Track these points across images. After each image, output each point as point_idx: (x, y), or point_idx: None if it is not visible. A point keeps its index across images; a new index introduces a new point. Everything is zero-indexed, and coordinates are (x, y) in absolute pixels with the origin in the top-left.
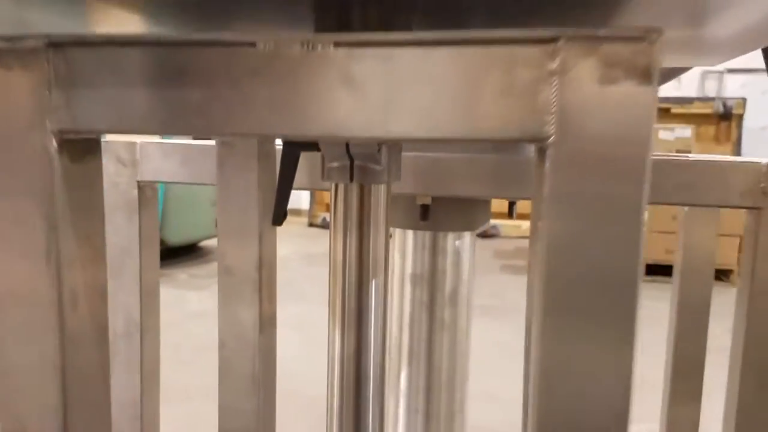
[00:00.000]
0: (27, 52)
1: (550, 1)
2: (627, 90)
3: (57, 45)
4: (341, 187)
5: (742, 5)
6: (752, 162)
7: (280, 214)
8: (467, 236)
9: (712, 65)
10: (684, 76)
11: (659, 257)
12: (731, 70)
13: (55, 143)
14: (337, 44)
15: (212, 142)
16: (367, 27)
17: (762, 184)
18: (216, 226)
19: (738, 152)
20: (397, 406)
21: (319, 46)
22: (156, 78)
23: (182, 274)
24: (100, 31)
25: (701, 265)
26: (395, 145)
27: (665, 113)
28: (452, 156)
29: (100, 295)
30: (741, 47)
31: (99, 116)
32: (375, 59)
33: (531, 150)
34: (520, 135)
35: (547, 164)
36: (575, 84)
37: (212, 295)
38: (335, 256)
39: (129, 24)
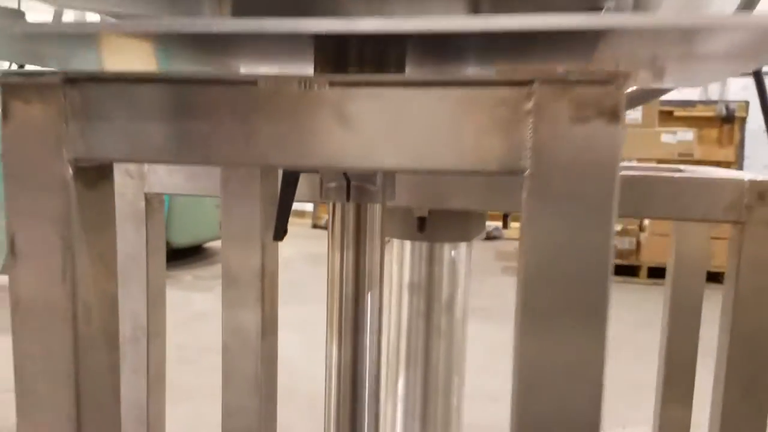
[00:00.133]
0: (45, 87)
1: (535, 40)
2: (596, 128)
3: (72, 80)
4: (339, 205)
5: (727, 32)
6: (735, 179)
7: (280, 231)
8: (463, 246)
9: (698, 86)
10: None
11: (662, 260)
12: None
13: (71, 170)
14: (332, 84)
15: None
16: (363, 63)
17: (745, 200)
18: (220, 228)
19: (741, 155)
20: (395, 411)
21: (316, 86)
22: (165, 111)
23: (187, 275)
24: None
25: (693, 270)
26: None
27: (668, 116)
28: None
29: (111, 308)
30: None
31: (112, 146)
32: (367, 98)
33: None
34: (499, 168)
35: (524, 194)
36: (549, 122)
37: (216, 296)
38: (333, 270)
39: (141, 57)
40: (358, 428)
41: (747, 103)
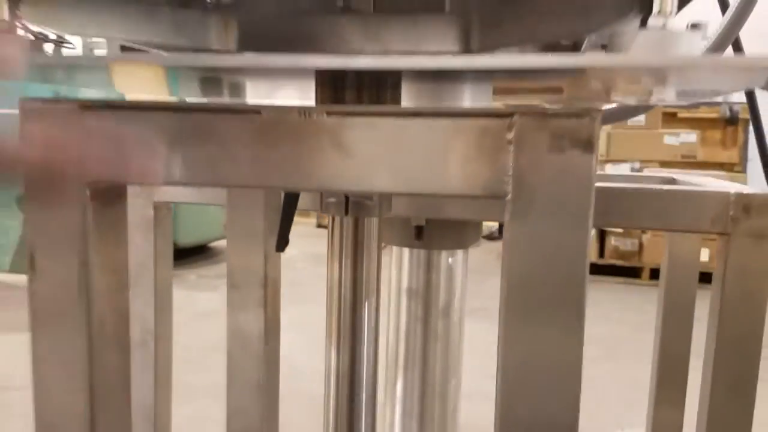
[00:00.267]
0: (63, 113)
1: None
2: (572, 157)
3: (89, 107)
4: (337, 219)
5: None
6: (721, 191)
7: (282, 242)
8: (459, 253)
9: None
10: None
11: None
12: None
13: (87, 191)
14: (329, 113)
15: None
16: (361, 88)
17: (731, 212)
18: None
19: (744, 156)
20: (393, 412)
21: (314, 115)
22: (175, 138)
23: (192, 274)
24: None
25: (685, 273)
26: None
27: (671, 118)
28: None
29: (123, 319)
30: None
31: (125, 169)
32: (362, 127)
33: None
34: (483, 192)
35: (506, 216)
36: (528, 151)
37: (221, 295)
38: (332, 280)
39: (151, 77)
40: (356, 430)
41: None
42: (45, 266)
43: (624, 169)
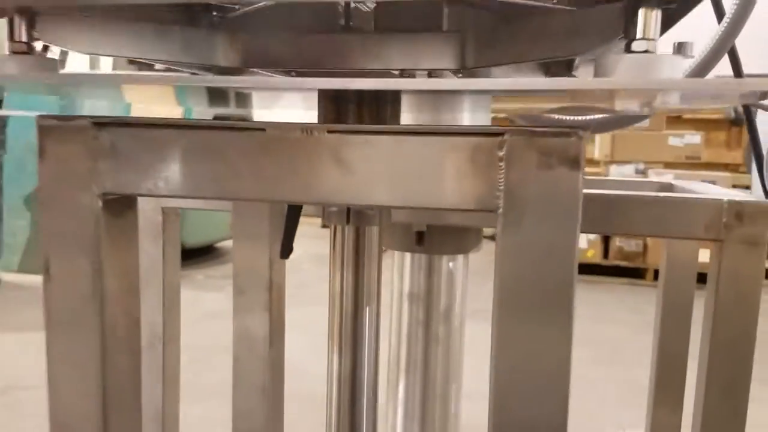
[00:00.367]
0: (77, 129)
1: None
2: (559, 174)
3: (101, 124)
4: (339, 228)
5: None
6: (715, 199)
7: (286, 250)
8: (460, 258)
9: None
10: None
11: None
12: (748, 76)
13: (100, 202)
14: (330, 131)
15: None
16: (362, 104)
17: (724, 219)
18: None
19: (749, 157)
20: (395, 413)
21: (316, 132)
22: (183, 153)
23: (199, 275)
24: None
25: (684, 274)
26: None
27: (676, 119)
28: None
29: (133, 323)
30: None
31: (136, 182)
32: (361, 144)
33: None
34: (476, 206)
35: (498, 228)
36: (518, 168)
37: (228, 296)
38: (334, 287)
39: (161, 89)
40: (357, 429)
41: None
42: (59, 273)
43: (628, 170)
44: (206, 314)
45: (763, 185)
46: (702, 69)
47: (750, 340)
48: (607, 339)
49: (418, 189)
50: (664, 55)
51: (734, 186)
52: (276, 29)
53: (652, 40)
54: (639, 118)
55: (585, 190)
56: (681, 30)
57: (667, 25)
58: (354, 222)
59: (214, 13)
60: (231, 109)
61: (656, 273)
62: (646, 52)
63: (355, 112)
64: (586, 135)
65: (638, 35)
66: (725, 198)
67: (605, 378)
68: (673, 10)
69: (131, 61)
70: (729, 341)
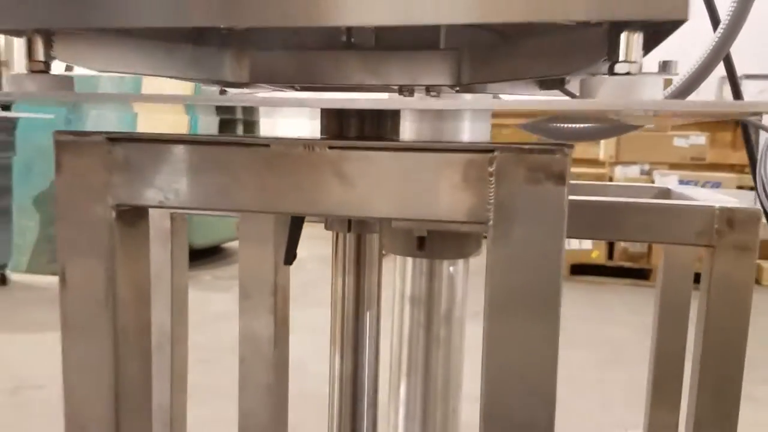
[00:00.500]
0: (92, 144)
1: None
2: (546, 188)
3: (115, 139)
4: (341, 235)
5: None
6: (707, 205)
7: (290, 256)
8: (460, 263)
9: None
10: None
11: None
12: (749, 76)
13: (113, 213)
14: (331, 147)
15: None
16: (363, 119)
17: (715, 225)
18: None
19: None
20: (397, 414)
21: (317, 148)
22: (193, 167)
23: (206, 275)
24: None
25: (681, 277)
26: None
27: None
28: None
29: (145, 329)
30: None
31: (148, 195)
32: (360, 159)
33: None
34: (468, 218)
35: (488, 240)
36: (507, 183)
37: (234, 296)
38: (335, 292)
39: (172, 110)
40: (359, 429)
41: None
42: (75, 279)
43: (633, 171)
44: (214, 315)
45: (757, 192)
46: (698, 76)
47: (741, 343)
48: (611, 340)
49: (414, 202)
50: (645, 77)
51: (739, 187)
52: (281, 47)
53: (634, 62)
54: (637, 126)
55: (582, 197)
56: (680, 32)
57: (651, 45)
58: (355, 230)
59: (222, 32)
60: (237, 116)
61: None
62: (628, 74)
63: (357, 124)
64: (570, 152)
65: (621, 58)
66: (717, 205)
67: (609, 379)
68: (655, 33)
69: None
70: (721, 344)
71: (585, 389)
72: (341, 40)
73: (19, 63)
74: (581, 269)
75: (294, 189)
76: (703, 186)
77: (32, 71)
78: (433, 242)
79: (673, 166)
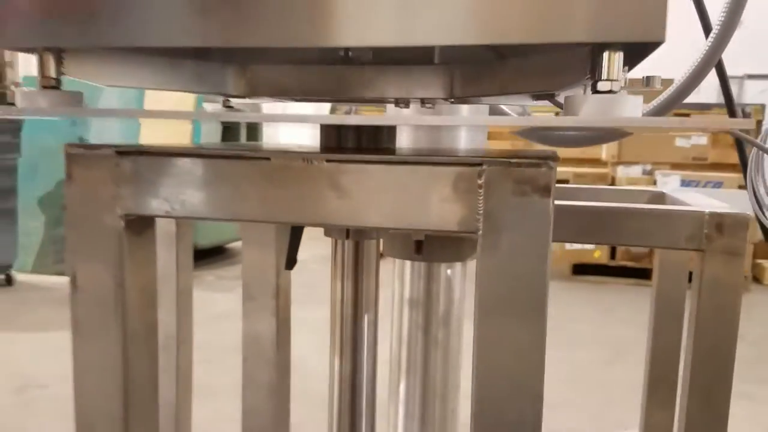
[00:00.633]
0: (102, 157)
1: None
2: (532, 200)
3: (124, 153)
4: (340, 242)
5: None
6: (697, 211)
7: (291, 261)
8: (458, 266)
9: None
10: (703, 83)
11: None
12: (751, 76)
13: (122, 222)
14: (328, 160)
15: None
16: (360, 132)
17: (705, 230)
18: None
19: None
20: (396, 413)
21: (315, 161)
22: (197, 178)
23: (210, 275)
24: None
25: (676, 278)
26: None
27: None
28: None
29: (152, 332)
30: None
31: (155, 205)
32: (356, 172)
33: None
34: (458, 228)
35: (478, 247)
36: (495, 195)
37: (238, 296)
38: (335, 296)
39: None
40: (357, 428)
41: (763, 106)
42: (85, 286)
43: (635, 171)
44: (218, 314)
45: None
46: (691, 82)
47: (731, 345)
48: (613, 339)
49: (407, 212)
50: (625, 96)
51: (741, 186)
52: (281, 62)
53: (616, 80)
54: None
55: (578, 203)
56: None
57: (634, 63)
58: (353, 236)
59: (224, 48)
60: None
61: None
62: (609, 92)
63: (354, 133)
64: (555, 165)
65: (603, 76)
66: (707, 210)
67: (611, 378)
68: (636, 53)
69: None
70: (711, 346)
71: (588, 388)
72: (339, 55)
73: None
74: (584, 269)
75: (293, 200)
76: (704, 186)
77: (44, 87)
78: (430, 246)
79: (675, 166)
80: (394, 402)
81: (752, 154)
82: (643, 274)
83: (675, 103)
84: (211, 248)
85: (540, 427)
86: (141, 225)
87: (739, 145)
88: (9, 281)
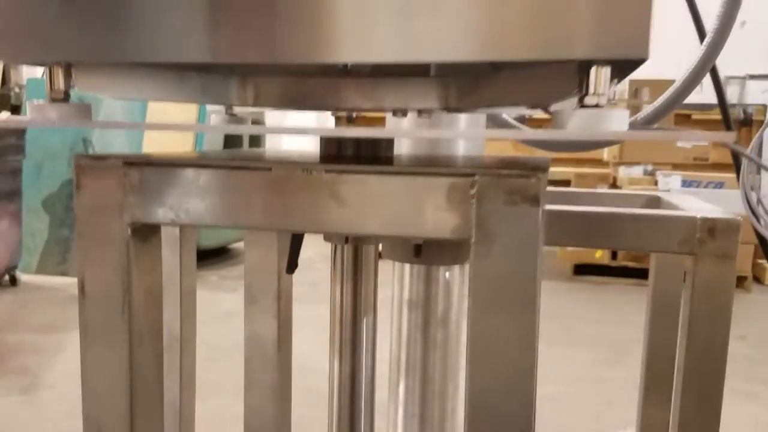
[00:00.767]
0: (110, 168)
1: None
2: (522, 209)
3: (131, 163)
4: (339, 246)
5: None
6: (689, 215)
7: (292, 265)
8: (456, 268)
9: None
10: (706, 82)
11: None
12: (753, 77)
13: (129, 230)
14: (327, 171)
15: None
16: (359, 142)
17: (697, 234)
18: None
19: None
20: (396, 412)
21: (315, 172)
22: (201, 188)
23: (213, 275)
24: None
25: (671, 278)
26: None
27: (686, 120)
28: None
29: (158, 335)
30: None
31: (161, 213)
32: (354, 182)
33: None
34: (452, 236)
35: (471, 254)
36: (487, 204)
37: (241, 297)
38: (334, 299)
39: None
40: (356, 427)
41: (765, 106)
42: (93, 290)
43: (637, 171)
44: (221, 315)
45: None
46: (686, 87)
47: (723, 347)
48: (614, 340)
49: (403, 220)
50: (611, 110)
51: None
52: (283, 74)
53: (603, 95)
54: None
55: (573, 207)
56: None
57: (621, 77)
58: (352, 241)
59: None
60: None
61: None
62: (596, 106)
63: (354, 143)
64: (545, 176)
65: (591, 91)
66: (699, 215)
67: (612, 378)
68: (623, 67)
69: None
70: (704, 348)
71: (589, 388)
72: (339, 67)
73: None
74: (585, 269)
75: (294, 209)
76: (706, 186)
77: (53, 100)
78: (429, 250)
79: (677, 167)
80: (393, 401)
81: (744, 163)
82: (645, 274)
83: (675, 104)
84: (214, 249)
85: (531, 423)
86: (147, 232)
87: (734, 154)
88: (13, 282)
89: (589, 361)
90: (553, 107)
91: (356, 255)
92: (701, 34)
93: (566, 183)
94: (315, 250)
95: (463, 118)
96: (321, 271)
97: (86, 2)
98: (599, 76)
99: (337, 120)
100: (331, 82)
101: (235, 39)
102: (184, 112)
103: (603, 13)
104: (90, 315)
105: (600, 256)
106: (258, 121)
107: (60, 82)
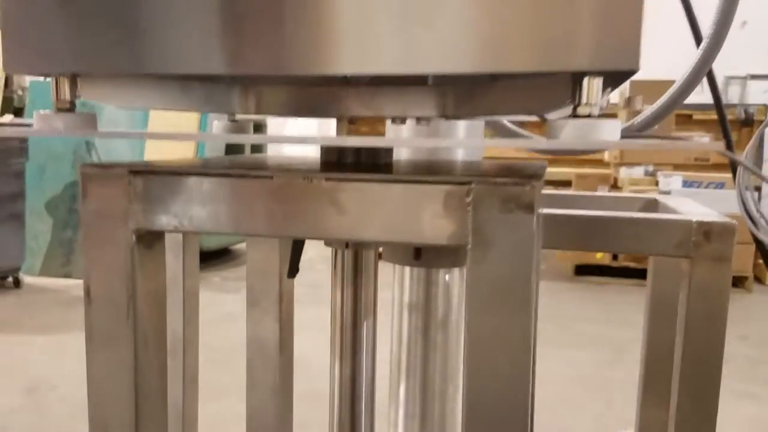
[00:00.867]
0: (115, 176)
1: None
2: (517, 216)
3: (136, 171)
4: (339, 251)
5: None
6: (685, 219)
7: (293, 269)
8: (455, 271)
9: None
10: (706, 83)
11: None
12: (754, 76)
13: (133, 237)
14: (327, 179)
15: None
16: (359, 150)
17: (693, 238)
18: None
19: (759, 158)
20: (396, 413)
21: (315, 180)
22: (204, 196)
23: (215, 277)
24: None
25: (669, 279)
26: None
27: (687, 119)
28: None
29: (161, 339)
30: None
31: (165, 220)
32: (353, 190)
33: None
34: (449, 242)
35: (468, 259)
36: (483, 211)
37: (243, 298)
38: (335, 303)
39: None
40: (357, 430)
41: (766, 106)
42: (99, 296)
43: (638, 171)
44: (224, 316)
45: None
46: (685, 88)
47: (718, 349)
48: (615, 340)
49: (401, 227)
50: (603, 120)
51: None
52: (284, 83)
53: (595, 105)
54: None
55: (571, 211)
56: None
57: (613, 87)
58: (352, 246)
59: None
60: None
61: None
62: (588, 116)
63: (354, 150)
64: (540, 184)
65: (583, 101)
66: (695, 218)
67: (613, 379)
68: (615, 78)
69: None
70: (700, 349)
71: (591, 389)
72: (339, 79)
73: None
74: (586, 270)
75: (295, 215)
76: (707, 187)
77: (59, 109)
78: (429, 252)
79: (677, 167)
80: (394, 402)
81: (739, 170)
82: (645, 275)
83: (674, 106)
84: (216, 250)
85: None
86: (151, 239)
87: (731, 161)
88: (17, 284)
89: (590, 362)
90: (548, 115)
91: (356, 259)
92: (697, 37)
93: (567, 183)
94: (315, 252)
95: (461, 125)
96: (321, 272)
97: (92, 15)
98: (591, 86)
99: (339, 123)
100: (331, 91)
101: (238, 51)
102: (186, 116)
103: (596, 27)
104: (95, 319)
105: (601, 256)
106: (261, 124)
107: (66, 93)
